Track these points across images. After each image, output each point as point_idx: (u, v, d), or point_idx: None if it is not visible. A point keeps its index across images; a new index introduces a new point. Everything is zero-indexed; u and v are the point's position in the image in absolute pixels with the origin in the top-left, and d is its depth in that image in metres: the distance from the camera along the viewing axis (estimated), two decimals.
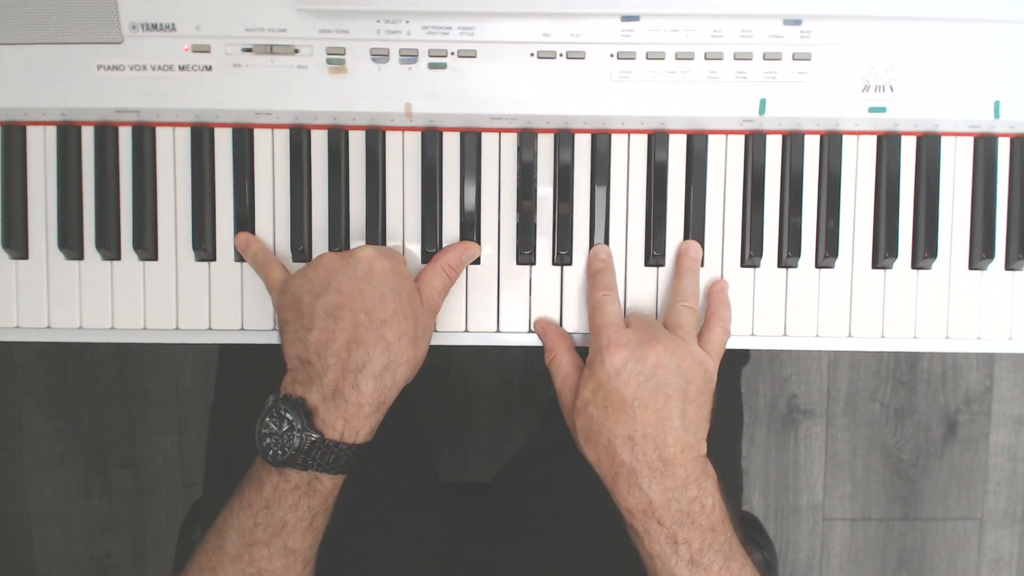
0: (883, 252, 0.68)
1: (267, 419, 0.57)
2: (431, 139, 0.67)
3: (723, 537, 0.59)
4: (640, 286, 0.68)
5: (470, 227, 0.67)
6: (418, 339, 0.61)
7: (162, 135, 0.67)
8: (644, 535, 0.59)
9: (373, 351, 0.58)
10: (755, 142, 0.68)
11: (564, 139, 0.67)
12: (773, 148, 0.68)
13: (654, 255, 0.68)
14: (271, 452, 0.56)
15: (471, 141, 0.67)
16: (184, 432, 1.48)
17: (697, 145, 0.67)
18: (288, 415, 0.56)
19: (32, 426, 1.47)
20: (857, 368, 1.51)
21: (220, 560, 0.58)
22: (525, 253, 0.67)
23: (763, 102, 0.65)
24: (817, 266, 0.69)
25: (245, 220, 0.67)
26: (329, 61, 0.64)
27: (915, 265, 0.69)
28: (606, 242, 0.68)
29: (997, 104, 0.65)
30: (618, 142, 0.68)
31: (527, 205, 0.68)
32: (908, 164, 0.68)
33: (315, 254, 0.67)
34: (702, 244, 0.68)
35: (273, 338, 0.67)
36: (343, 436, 0.57)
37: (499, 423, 1.51)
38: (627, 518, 0.60)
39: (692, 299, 0.65)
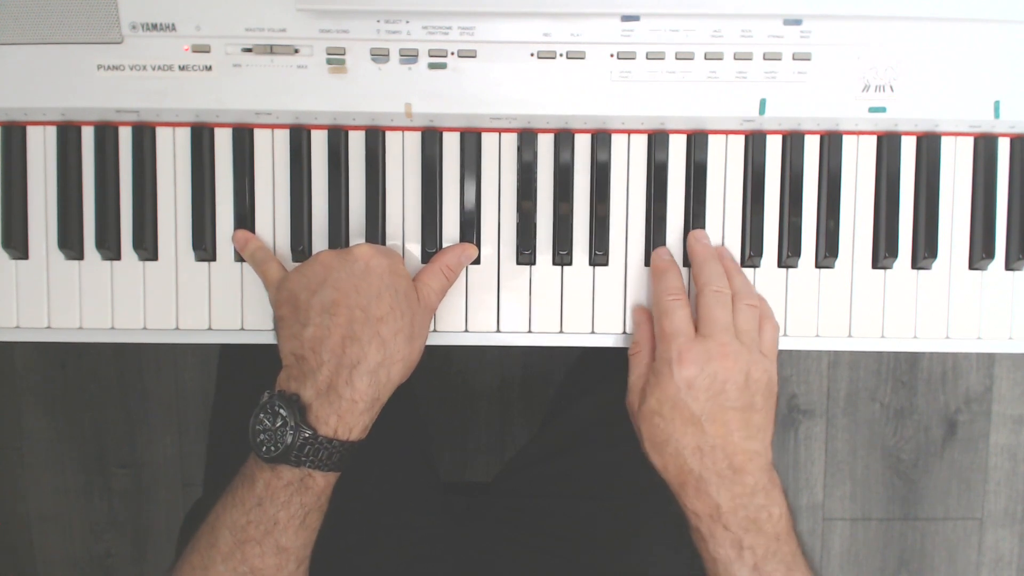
0: (883, 252, 0.68)
1: (261, 415, 0.57)
2: (431, 139, 0.67)
3: (788, 547, 0.59)
4: (640, 286, 0.68)
5: (470, 227, 0.67)
6: (414, 337, 0.61)
7: (162, 135, 0.67)
8: (709, 538, 0.59)
9: (368, 347, 0.58)
10: (755, 142, 0.68)
11: (564, 139, 0.67)
12: (773, 148, 0.68)
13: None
14: (264, 448, 0.56)
15: (471, 141, 0.67)
16: (184, 432, 1.48)
17: (697, 145, 0.67)
18: (282, 411, 0.56)
19: (32, 426, 1.47)
20: (857, 368, 1.51)
21: (212, 558, 0.58)
22: (525, 253, 0.67)
23: (763, 102, 0.65)
24: (817, 266, 0.69)
25: (245, 220, 0.67)
26: (329, 61, 0.64)
27: (915, 265, 0.69)
28: (606, 242, 0.68)
29: (997, 104, 0.65)
30: (618, 142, 0.68)
31: (527, 205, 0.67)
32: (908, 164, 0.68)
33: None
34: None
35: (273, 338, 0.67)
36: (336, 433, 0.57)
37: (499, 423, 1.51)
38: (692, 520, 0.61)
39: (740, 291, 0.64)
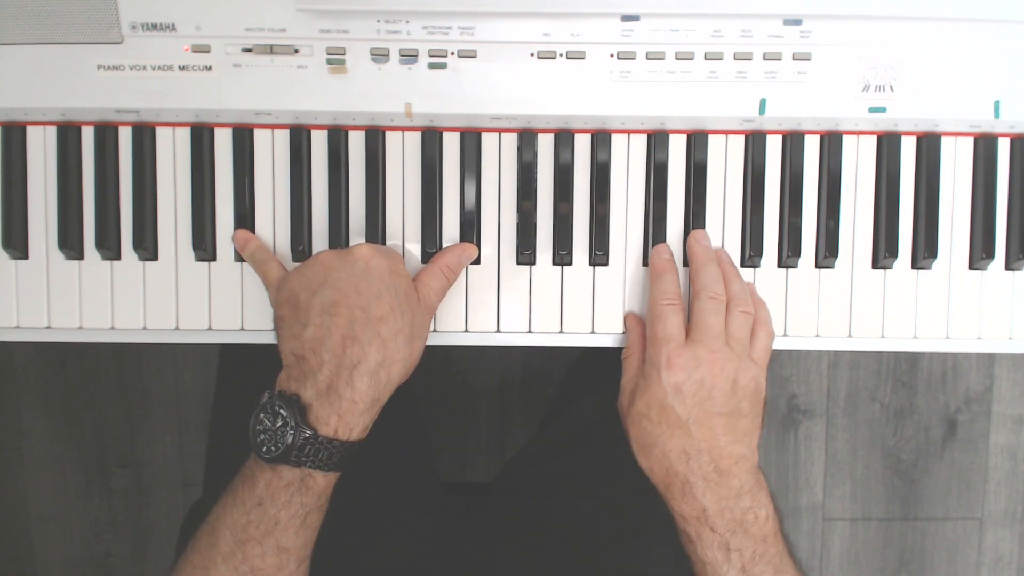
0: (883, 252, 0.68)
1: (261, 415, 0.57)
2: (431, 139, 0.67)
3: (774, 549, 0.60)
4: (640, 286, 0.68)
5: (470, 227, 0.67)
6: (414, 337, 0.61)
7: (162, 135, 0.67)
8: (697, 541, 0.60)
9: (368, 348, 0.58)
10: (755, 142, 0.68)
11: (564, 139, 0.67)
12: (773, 148, 0.68)
13: None
14: (264, 448, 0.56)
15: (471, 141, 0.67)
16: (184, 432, 1.48)
17: (697, 145, 0.67)
18: (282, 411, 0.56)
19: (32, 426, 1.47)
20: (857, 368, 1.51)
21: (213, 558, 0.58)
22: (525, 253, 0.67)
23: (763, 102, 0.65)
24: (817, 266, 0.69)
25: (245, 220, 0.67)
26: (329, 61, 0.64)
27: (915, 265, 0.69)
28: (606, 242, 0.68)
29: (997, 104, 0.65)
30: (618, 142, 0.68)
31: (527, 205, 0.67)
32: (908, 164, 0.68)
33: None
34: None
35: (273, 338, 0.67)
36: (337, 433, 0.57)
37: (499, 423, 1.51)
38: (680, 523, 0.61)
39: (736, 297, 0.64)
